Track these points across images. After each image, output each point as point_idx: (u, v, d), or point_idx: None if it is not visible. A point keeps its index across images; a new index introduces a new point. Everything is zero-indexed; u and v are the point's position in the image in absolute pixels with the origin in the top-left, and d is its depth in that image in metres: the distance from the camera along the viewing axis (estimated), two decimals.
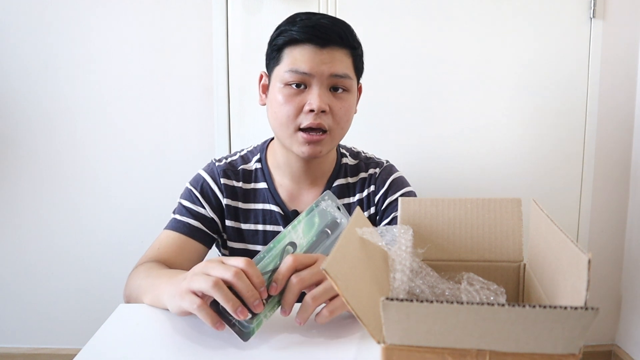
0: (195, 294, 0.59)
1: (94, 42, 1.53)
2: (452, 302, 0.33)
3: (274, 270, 0.62)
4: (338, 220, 0.69)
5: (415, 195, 0.97)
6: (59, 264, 1.63)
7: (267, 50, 0.90)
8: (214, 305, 0.58)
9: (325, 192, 0.71)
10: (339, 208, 0.70)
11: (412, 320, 0.35)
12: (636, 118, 1.54)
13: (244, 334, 0.58)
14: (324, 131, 0.85)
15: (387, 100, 1.51)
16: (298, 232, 0.66)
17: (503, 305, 0.33)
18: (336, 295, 0.60)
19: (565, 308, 0.32)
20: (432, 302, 0.34)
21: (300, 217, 0.68)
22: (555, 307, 0.32)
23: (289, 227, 0.66)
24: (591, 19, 1.48)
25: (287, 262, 0.61)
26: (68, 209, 1.61)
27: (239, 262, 0.59)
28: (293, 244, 0.65)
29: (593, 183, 1.55)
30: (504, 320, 0.33)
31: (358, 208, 0.55)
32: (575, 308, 0.32)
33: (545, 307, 0.32)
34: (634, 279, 1.56)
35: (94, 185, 1.59)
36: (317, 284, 0.61)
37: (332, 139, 0.87)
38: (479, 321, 0.34)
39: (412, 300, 0.34)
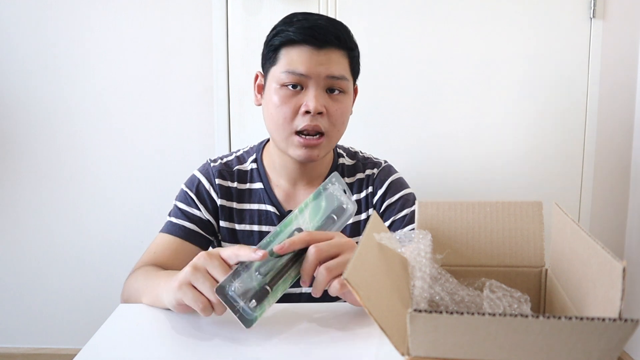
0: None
1: (94, 42, 1.52)
2: (483, 314, 0.32)
3: (279, 257, 0.62)
4: (344, 206, 0.69)
5: (414, 198, 0.96)
6: (59, 264, 1.63)
7: (263, 50, 0.89)
8: (221, 290, 0.58)
9: (332, 174, 0.70)
10: (345, 191, 0.69)
11: (439, 332, 0.34)
12: (636, 118, 1.54)
13: (247, 321, 0.58)
14: (321, 134, 0.84)
15: (387, 100, 1.52)
16: (305, 217, 0.66)
17: (537, 317, 0.31)
18: None
19: (603, 320, 0.30)
20: (461, 313, 0.32)
21: (307, 201, 0.67)
22: (592, 319, 0.30)
23: (296, 210, 0.66)
24: (591, 19, 1.48)
25: (302, 235, 0.62)
26: (68, 209, 1.60)
27: (221, 279, 0.59)
28: (300, 230, 0.65)
29: (593, 183, 1.55)
30: (536, 333, 0.32)
31: (375, 213, 0.55)
32: (614, 320, 0.30)
33: (581, 318, 0.31)
34: (634, 279, 1.56)
35: (94, 186, 1.59)
36: (333, 257, 0.62)
37: (328, 141, 0.86)
38: (510, 333, 0.33)
39: (440, 312, 0.33)
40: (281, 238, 0.63)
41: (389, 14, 1.48)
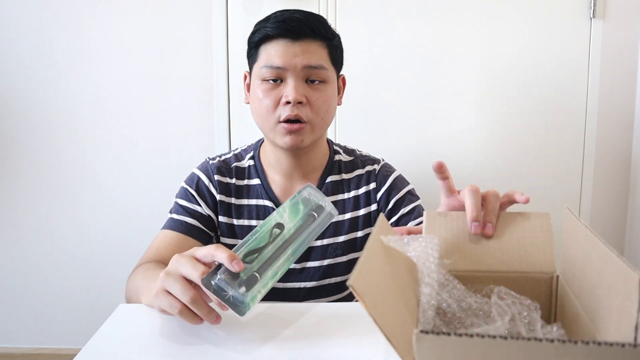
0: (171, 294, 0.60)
1: (95, 42, 1.52)
2: (494, 337, 0.31)
3: (262, 247, 0.62)
4: (322, 205, 0.71)
5: (416, 194, 0.99)
6: (58, 264, 1.63)
7: (247, 49, 0.92)
8: (207, 281, 0.57)
9: (306, 184, 0.73)
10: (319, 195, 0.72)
11: (447, 353, 0.33)
12: (636, 118, 1.54)
13: (240, 308, 0.57)
14: (304, 122, 0.86)
15: (386, 99, 1.52)
16: (284, 217, 0.67)
17: (552, 341, 0.30)
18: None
19: (623, 345, 0.28)
20: (470, 336, 0.31)
21: (284, 205, 0.69)
22: (610, 345, 0.29)
23: (274, 213, 0.67)
24: (591, 19, 1.48)
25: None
26: (68, 209, 1.60)
27: (194, 273, 0.58)
28: (280, 225, 0.66)
29: (593, 183, 1.55)
30: (550, 356, 0.30)
31: (382, 216, 0.54)
32: (634, 345, 0.28)
33: (599, 343, 0.29)
34: None
35: (94, 185, 1.59)
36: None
37: (312, 129, 0.88)
38: (523, 357, 0.31)
39: (448, 334, 0.31)
40: (259, 236, 0.63)
41: (388, 13, 1.48)
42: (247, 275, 0.59)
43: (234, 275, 0.58)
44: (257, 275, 0.60)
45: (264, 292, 0.60)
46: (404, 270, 0.49)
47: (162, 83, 1.54)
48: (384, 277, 0.43)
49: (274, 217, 0.66)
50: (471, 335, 0.31)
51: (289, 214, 0.68)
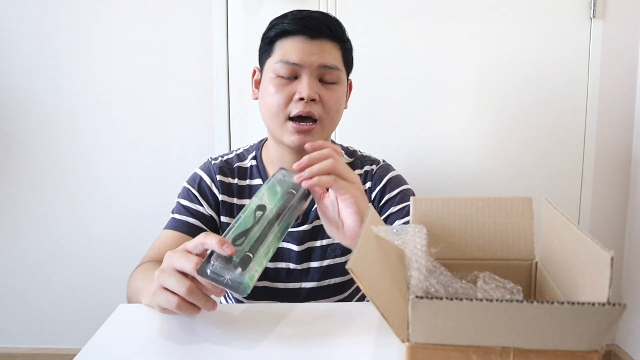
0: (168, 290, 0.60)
1: (95, 42, 1.53)
2: (481, 300, 0.34)
3: (248, 230, 0.63)
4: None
5: (413, 194, 0.97)
6: (59, 264, 1.63)
7: (260, 44, 0.92)
8: (202, 270, 0.58)
9: (279, 168, 0.74)
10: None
11: (439, 318, 0.35)
12: (636, 118, 1.54)
13: (240, 288, 0.58)
14: (314, 120, 0.86)
15: (386, 99, 1.52)
16: (264, 200, 0.68)
17: (532, 302, 0.33)
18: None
19: (593, 304, 0.32)
20: (460, 299, 0.34)
21: (261, 189, 0.70)
22: (582, 304, 0.32)
23: (253, 198, 0.68)
24: (591, 19, 1.48)
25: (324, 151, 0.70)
26: (68, 208, 1.61)
27: (187, 264, 0.58)
28: (262, 207, 0.67)
29: (593, 183, 1.55)
30: (530, 317, 0.34)
31: (372, 207, 0.55)
32: (603, 304, 0.32)
33: (573, 303, 0.32)
34: (634, 278, 1.56)
35: (94, 186, 1.59)
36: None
37: (322, 128, 0.88)
38: (506, 318, 0.34)
39: (441, 298, 0.34)
40: (243, 221, 0.64)
41: (388, 13, 1.48)
42: (239, 257, 0.59)
43: (228, 260, 0.58)
44: (250, 254, 0.60)
45: (260, 270, 0.60)
46: (395, 258, 0.50)
47: (162, 83, 1.54)
48: (377, 263, 0.46)
49: (254, 202, 0.67)
50: (461, 299, 0.34)
51: (268, 196, 0.69)
